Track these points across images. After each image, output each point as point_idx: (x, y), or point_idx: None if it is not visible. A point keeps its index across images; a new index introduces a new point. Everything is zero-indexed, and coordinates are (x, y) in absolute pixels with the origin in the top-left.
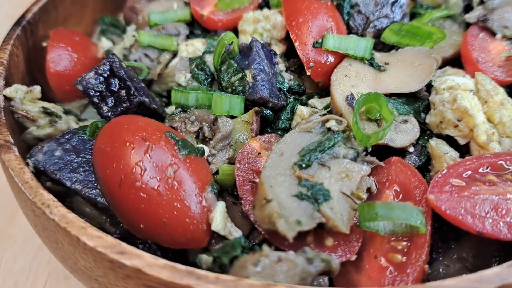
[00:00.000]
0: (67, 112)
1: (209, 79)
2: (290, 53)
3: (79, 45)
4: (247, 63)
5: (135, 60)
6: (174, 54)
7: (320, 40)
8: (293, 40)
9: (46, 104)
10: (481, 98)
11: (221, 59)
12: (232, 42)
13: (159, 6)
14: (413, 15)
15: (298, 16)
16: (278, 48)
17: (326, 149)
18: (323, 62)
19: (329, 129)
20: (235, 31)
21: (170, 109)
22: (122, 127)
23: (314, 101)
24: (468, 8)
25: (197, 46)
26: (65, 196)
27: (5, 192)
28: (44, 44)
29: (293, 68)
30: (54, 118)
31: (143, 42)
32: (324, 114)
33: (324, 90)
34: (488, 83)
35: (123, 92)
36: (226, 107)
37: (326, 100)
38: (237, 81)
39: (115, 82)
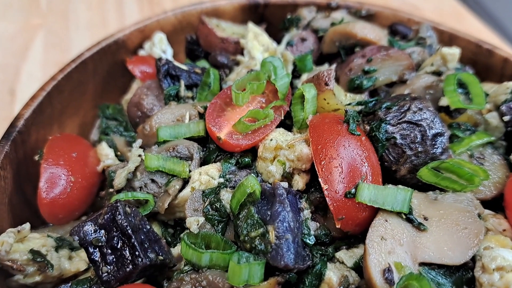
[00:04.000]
0: (59, 247)
1: (224, 222)
2: (313, 181)
3: (76, 163)
4: (269, 213)
5: (140, 188)
6: (186, 181)
7: (353, 190)
8: (321, 183)
9: (37, 243)
10: None
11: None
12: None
13: (169, 114)
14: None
15: (328, 155)
16: (301, 179)
17: None
18: (355, 214)
19: None
20: (254, 152)
21: (177, 250)
22: None
23: (342, 254)
24: (507, 136)
25: (211, 173)
26: None
27: None
28: (36, 157)
29: (317, 204)
30: (44, 264)
31: (150, 167)
32: None
33: (352, 237)
34: None
35: (126, 252)
36: (244, 277)
37: (356, 254)
38: (257, 238)
39: (118, 236)
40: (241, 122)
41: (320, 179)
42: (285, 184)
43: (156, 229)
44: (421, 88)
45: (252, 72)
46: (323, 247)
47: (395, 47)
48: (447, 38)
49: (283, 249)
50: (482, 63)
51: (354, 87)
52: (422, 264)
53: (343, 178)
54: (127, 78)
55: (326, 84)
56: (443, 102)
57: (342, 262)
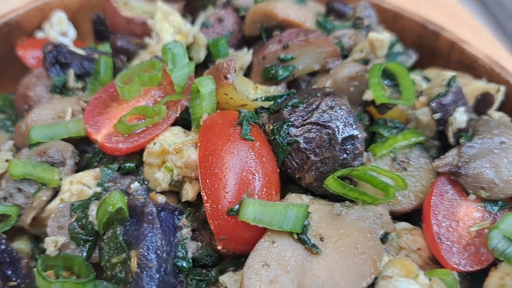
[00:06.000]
0: None
1: (92, 241)
2: None
3: None
4: (136, 234)
5: (5, 198)
6: (57, 190)
7: (236, 207)
8: (203, 197)
9: None
10: None
11: (107, 220)
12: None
13: (49, 110)
14: (372, 135)
15: (214, 163)
16: (192, 189)
17: None
18: (239, 234)
19: None
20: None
21: None
22: None
23: (226, 278)
24: (441, 135)
25: (86, 181)
26: None
27: None
28: None
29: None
30: None
31: (15, 175)
32: None
33: (243, 256)
34: None
35: None
36: None
37: None
38: (119, 265)
39: None
40: (121, 122)
41: (202, 193)
42: (161, 199)
43: (25, 244)
44: (345, 79)
45: (144, 61)
46: (204, 271)
47: (327, 28)
48: (391, 18)
49: (143, 280)
50: (428, 46)
51: (269, 77)
52: None
53: (227, 192)
54: None
55: (226, 78)
56: (367, 96)
57: (226, 287)
